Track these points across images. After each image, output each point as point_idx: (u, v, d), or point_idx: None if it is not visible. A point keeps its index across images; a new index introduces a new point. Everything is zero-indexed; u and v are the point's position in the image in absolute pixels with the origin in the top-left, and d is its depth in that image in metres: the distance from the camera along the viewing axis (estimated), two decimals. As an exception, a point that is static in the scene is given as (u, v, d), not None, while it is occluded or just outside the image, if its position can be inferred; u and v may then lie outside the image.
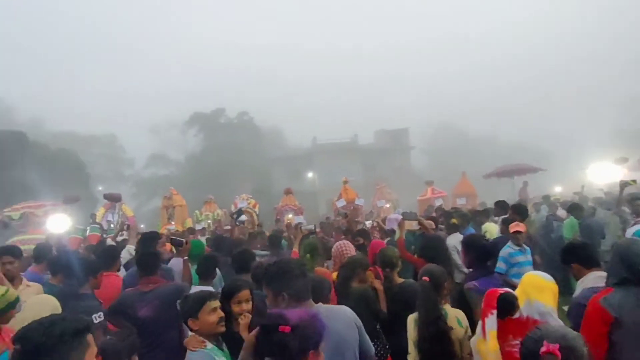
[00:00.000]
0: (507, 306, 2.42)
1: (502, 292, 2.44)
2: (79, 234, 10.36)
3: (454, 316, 2.97)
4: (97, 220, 12.55)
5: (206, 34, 73.30)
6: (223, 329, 2.50)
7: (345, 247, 4.64)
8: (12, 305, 2.65)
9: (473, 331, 2.79)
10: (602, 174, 9.76)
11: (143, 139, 47.61)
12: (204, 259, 4.22)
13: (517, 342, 2.11)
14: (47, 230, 9.82)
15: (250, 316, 2.77)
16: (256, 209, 14.87)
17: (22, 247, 5.03)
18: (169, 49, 67.98)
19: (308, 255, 4.54)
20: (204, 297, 2.52)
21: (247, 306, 2.85)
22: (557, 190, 17.94)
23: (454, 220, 6.01)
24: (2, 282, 3.11)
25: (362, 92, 62.49)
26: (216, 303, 2.54)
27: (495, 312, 2.36)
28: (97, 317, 3.49)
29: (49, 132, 38.65)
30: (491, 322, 2.35)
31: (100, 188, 32.55)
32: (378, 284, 3.79)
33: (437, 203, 14.74)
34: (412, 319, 3.00)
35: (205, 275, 4.05)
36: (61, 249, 6.92)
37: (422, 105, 58.06)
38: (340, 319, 2.30)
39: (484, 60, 61.99)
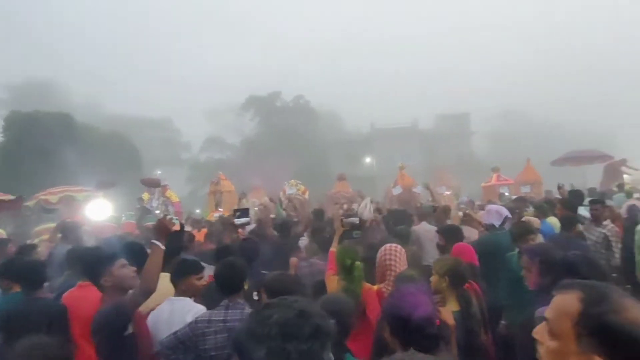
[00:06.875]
0: None
1: None
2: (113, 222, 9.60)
3: None
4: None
5: (264, 18, 72.74)
6: None
7: (391, 255, 3.12)
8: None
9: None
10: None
11: (200, 123, 47.86)
12: None
13: None
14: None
15: None
16: (306, 196, 13.62)
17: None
18: (226, 31, 68.20)
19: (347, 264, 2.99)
20: None
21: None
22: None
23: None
24: None
25: (423, 76, 59.06)
26: None
27: None
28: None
29: (102, 114, 38.80)
30: None
31: (159, 172, 32.91)
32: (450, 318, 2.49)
33: (502, 191, 13.80)
34: None
35: None
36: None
37: (485, 89, 54.11)
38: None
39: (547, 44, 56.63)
